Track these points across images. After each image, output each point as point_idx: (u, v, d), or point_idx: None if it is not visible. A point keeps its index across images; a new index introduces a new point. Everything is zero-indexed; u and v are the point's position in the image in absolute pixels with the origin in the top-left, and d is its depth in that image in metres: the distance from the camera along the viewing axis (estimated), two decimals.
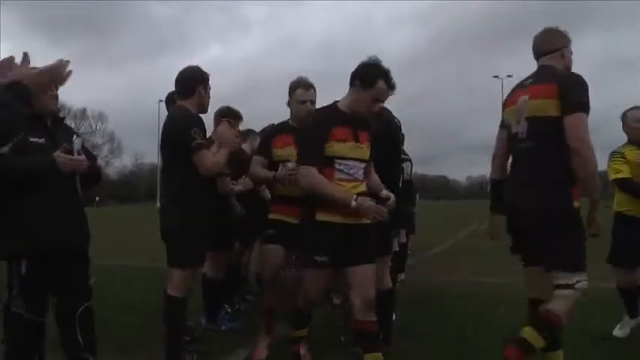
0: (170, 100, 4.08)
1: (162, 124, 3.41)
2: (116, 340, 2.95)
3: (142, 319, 4.52)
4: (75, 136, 2.94)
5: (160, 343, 3.29)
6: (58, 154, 2.70)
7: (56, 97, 2.83)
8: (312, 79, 3.64)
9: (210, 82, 3.38)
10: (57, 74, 1.90)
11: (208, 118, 3.89)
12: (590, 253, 2.72)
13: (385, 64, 3.00)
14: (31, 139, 2.69)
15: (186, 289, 3.24)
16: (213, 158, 3.19)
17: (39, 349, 2.82)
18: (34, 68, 2.14)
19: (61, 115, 2.99)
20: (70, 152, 2.78)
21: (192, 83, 3.31)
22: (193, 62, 3.69)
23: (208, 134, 3.42)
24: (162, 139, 3.31)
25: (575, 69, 3.00)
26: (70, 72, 1.93)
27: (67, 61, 1.87)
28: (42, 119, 2.80)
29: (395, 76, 2.99)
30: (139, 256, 7.10)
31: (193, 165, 3.13)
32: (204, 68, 3.39)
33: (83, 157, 2.84)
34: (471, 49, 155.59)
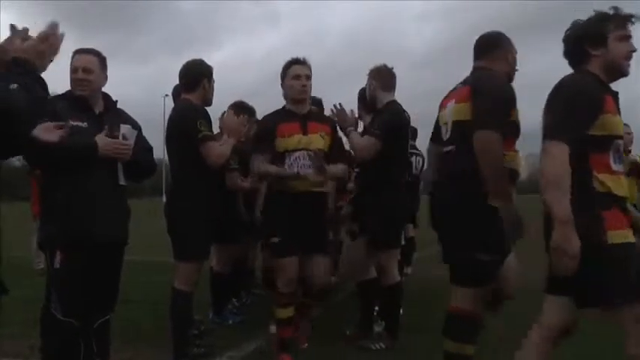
0: (177, 93, 4.07)
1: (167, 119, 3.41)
2: (119, 332, 2.96)
3: (145, 313, 4.53)
4: (126, 123, 2.77)
5: (162, 335, 3.29)
6: (101, 137, 2.59)
7: (84, 80, 2.67)
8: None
9: (214, 76, 3.36)
10: (54, 41, 1.61)
11: (216, 112, 3.88)
12: None
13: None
14: (72, 123, 2.57)
15: (193, 282, 3.25)
16: (219, 150, 3.18)
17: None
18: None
19: (114, 99, 2.84)
20: (115, 138, 2.65)
21: (196, 77, 3.29)
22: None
23: (214, 127, 3.41)
24: (167, 133, 3.30)
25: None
26: (62, 35, 1.65)
27: (57, 24, 1.63)
28: (86, 103, 2.69)
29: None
30: (143, 249, 7.12)
31: (199, 158, 3.12)
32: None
33: (129, 142, 2.69)
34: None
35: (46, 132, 2.33)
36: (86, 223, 2.57)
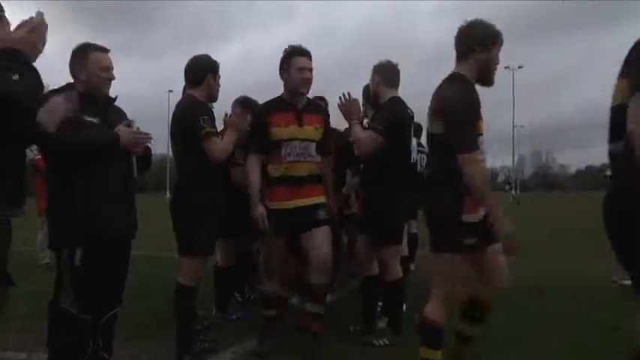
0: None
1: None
2: (123, 328, 2.97)
3: (149, 308, 4.55)
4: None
5: (167, 330, 3.30)
6: (120, 128, 2.60)
7: (110, 79, 2.71)
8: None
9: (219, 72, 3.36)
10: (42, 29, 1.63)
11: (224, 107, 3.88)
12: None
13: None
14: (86, 118, 2.58)
15: (197, 277, 3.26)
16: (221, 146, 3.18)
17: (93, 355, 2.60)
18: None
19: (112, 96, 2.84)
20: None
21: (201, 72, 3.29)
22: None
23: (218, 123, 3.40)
24: (171, 129, 3.30)
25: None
26: (46, 25, 1.67)
27: (42, 13, 1.65)
28: (95, 98, 2.68)
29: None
30: (147, 245, 7.16)
31: (203, 154, 3.12)
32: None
33: (146, 133, 2.73)
34: None
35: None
36: (108, 218, 2.57)
